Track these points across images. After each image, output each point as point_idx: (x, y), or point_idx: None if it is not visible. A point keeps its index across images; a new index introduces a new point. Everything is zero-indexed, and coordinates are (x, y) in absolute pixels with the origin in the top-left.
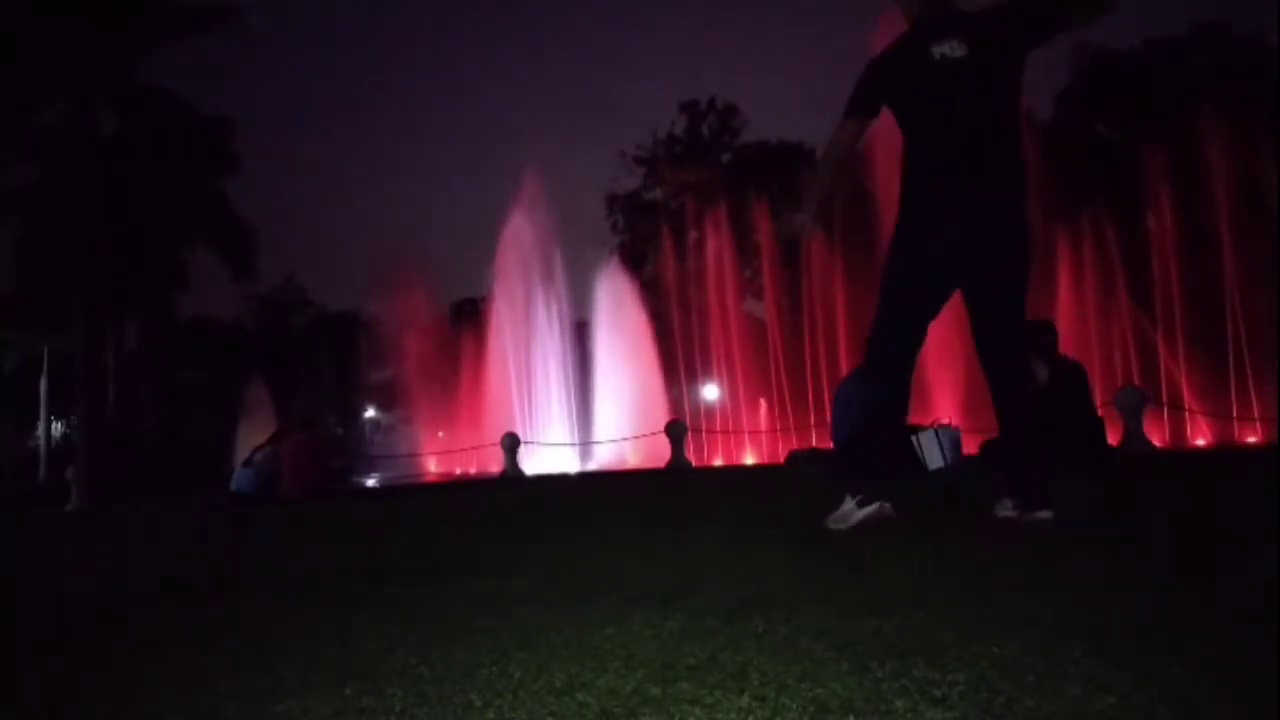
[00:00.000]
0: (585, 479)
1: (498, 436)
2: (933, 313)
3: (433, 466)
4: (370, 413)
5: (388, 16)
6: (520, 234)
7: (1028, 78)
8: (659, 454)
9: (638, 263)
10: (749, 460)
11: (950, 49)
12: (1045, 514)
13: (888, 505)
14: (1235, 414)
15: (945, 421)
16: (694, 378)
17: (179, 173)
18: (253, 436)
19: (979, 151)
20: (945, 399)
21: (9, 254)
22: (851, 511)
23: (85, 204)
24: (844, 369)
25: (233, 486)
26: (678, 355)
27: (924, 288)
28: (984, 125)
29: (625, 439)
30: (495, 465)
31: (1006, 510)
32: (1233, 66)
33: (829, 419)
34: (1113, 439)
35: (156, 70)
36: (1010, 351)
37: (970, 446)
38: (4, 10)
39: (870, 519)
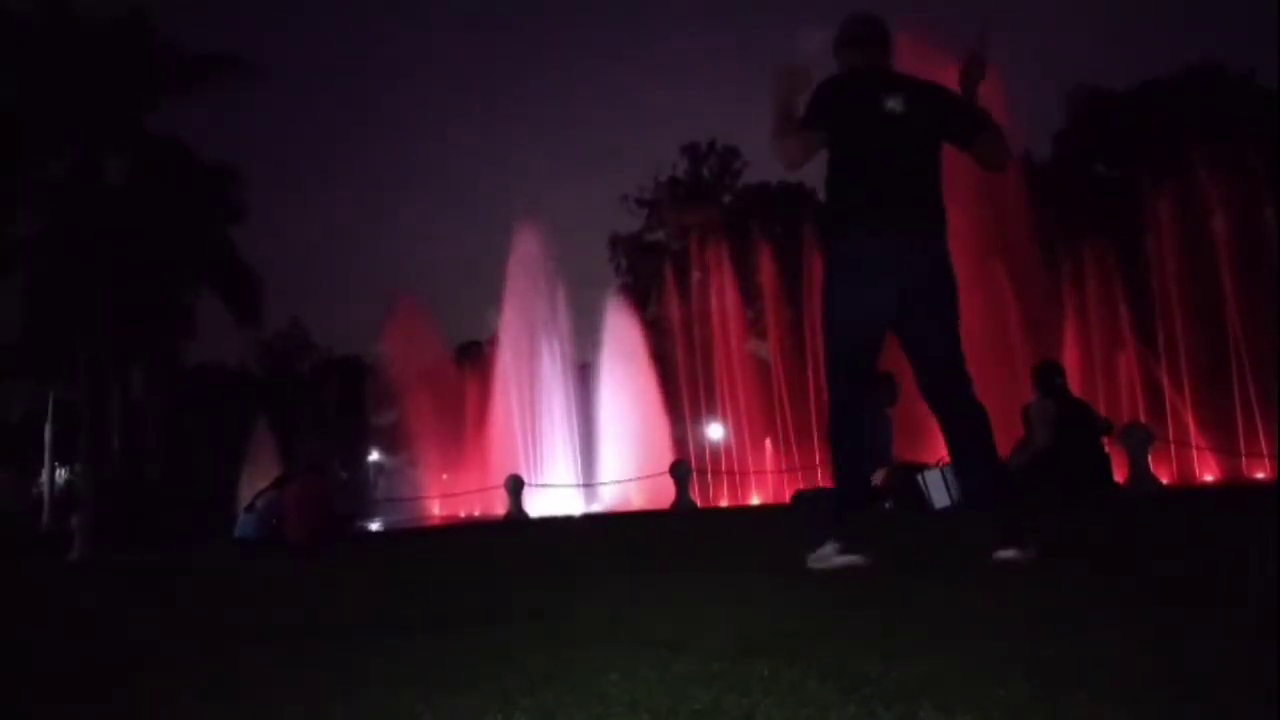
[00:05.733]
0: (590, 521)
1: (502, 479)
2: (875, 358)
3: (437, 510)
4: (374, 456)
5: (390, 61)
6: (523, 276)
7: (1025, 117)
8: (664, 495)
9: (641, 304)
10: (755, 501)
11: (896, 104)
12: (1011, 552)
13: (864, 559)
14: (1243, 449)
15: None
16: (698, 418)
17: (186, 222)
18: (257, 481)
19: (909, 200)
20: None
21: (15, 302)
22: (831, 555)
23: (92, 253)
24: None
25: (236, 533)
26: (682, 396)
27: (867, 335)
28: (915, 177)
29: (629, 480)
30: (499, 508)
31: (1005, 553)
32: (1228, 105)
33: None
34: (1119, 476)
35: (163, 119)
36: (957, 394)
37: None
38: (15, 63)
39: (846, 567)
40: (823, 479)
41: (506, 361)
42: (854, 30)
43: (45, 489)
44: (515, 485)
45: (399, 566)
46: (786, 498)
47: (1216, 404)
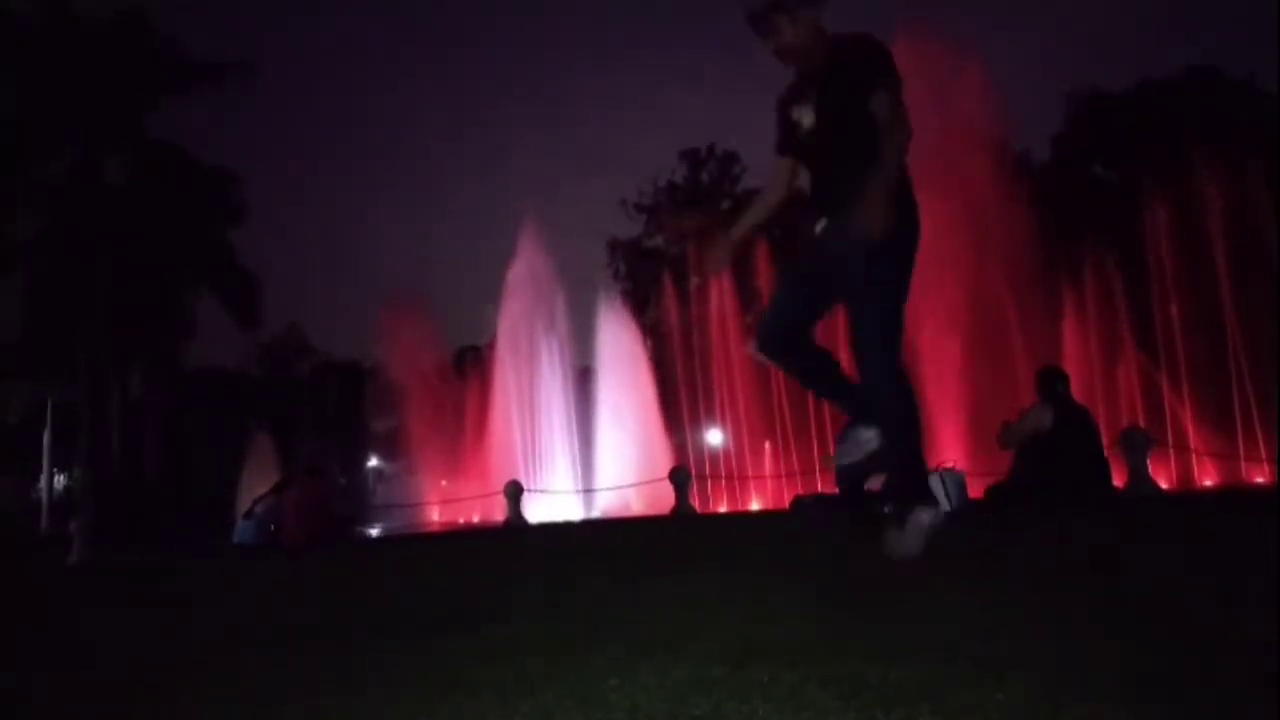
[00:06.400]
0: (589, 526)
1: (501, 485)
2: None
3: (436, 516)
4: (373, 462)
5: (391, 66)
6: (522, 281)
7: (1024, 122)
8: (663, 500)
9: (640, 309)
10: (754, 506)
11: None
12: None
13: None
14: (1243, 454)
15: (950, 465)
16: (697, 423)
17: (185, 224)
18: (256, 485)
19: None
20: (950, 442)
21: (15, 302)
22: (932, 518)
23: (91, 254)
24: None
25: (235, 539)
26: (681, 401)
27: None
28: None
29: (629, 486)
30: (499, 514)
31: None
32: (1227, 106)
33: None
34: (1118, 481)
35: (163, 120)
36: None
37: (975, 490)
38: (15, 63)
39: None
40: (822, 484)
41: (505, 366)
42: None
43: (44, 494)
44: (514, 491)
45: (398, 569)
46: (786, 503)
47: (1216, 408)
